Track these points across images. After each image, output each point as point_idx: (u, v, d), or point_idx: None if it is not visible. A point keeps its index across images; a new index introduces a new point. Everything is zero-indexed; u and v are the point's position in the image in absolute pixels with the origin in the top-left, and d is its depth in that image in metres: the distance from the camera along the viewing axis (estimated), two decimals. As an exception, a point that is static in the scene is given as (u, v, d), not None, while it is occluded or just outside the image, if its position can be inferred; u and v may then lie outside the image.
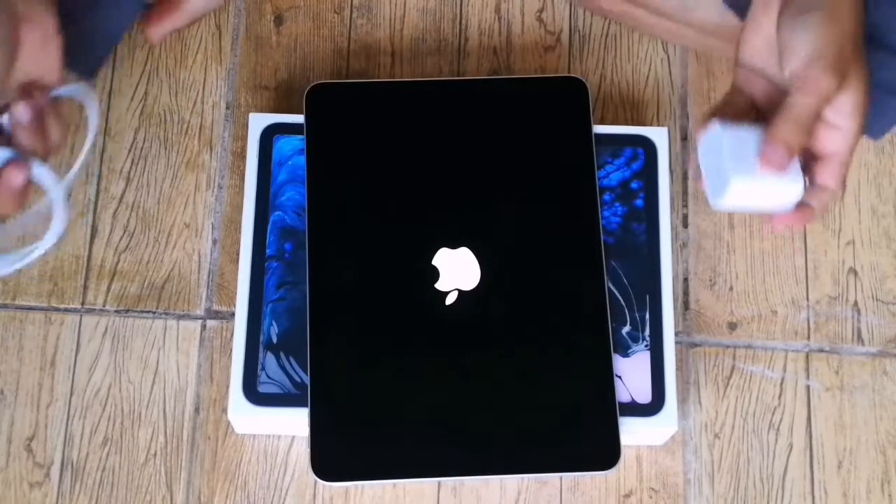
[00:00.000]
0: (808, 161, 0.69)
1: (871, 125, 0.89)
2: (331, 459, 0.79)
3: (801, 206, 0.70)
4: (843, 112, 0.67)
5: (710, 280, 0.89)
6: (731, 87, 0.72)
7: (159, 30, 0.85)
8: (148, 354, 0.86)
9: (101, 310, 0.87)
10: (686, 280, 0.89)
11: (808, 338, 0.88)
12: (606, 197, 0.86)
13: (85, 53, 0.86)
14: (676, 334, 0.86)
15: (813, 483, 0.85)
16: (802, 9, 0.67)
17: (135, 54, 0.93)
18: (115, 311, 0.87)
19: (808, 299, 0.89)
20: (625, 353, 0.83)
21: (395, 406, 0.80)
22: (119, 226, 0.89)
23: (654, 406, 0.82)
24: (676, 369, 0.83)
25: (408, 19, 0.96)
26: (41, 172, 0.69)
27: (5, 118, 0.68)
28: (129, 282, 0.88)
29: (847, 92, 0.67)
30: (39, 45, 0.68)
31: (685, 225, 0.91)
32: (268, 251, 0.84)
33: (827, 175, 0.69)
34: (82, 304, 0.87)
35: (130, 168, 0.91)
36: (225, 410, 0.84)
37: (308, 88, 0.88)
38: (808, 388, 0.87)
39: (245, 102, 0.93)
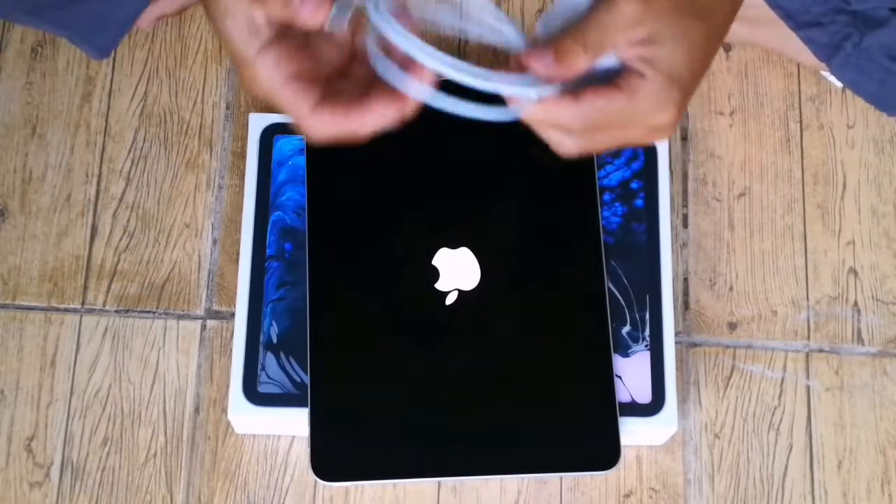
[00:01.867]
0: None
1: (886, 100, 0.88)
2: (331, 459, 0.79)
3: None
4: (648, 59, 0.59)
5: (710, 280, 0.89)
6: None
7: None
8: (148, 354, 0.86)
9: (101, 310, 0.87)
10: (686, 280, 0.89)
11: (808, 338, 0.88)
12: (606, 197, 0.86)
13: (101, 33, 0.87)
14: (676, 334, 0.86)
15: (813, 483, 0.85)
16: None
17: (135, 54, 0.93)
18: (115, 311, 0.87)
19: (808, 299, 0.89)
20: (625, 353, 0.83)
21: (395, 406, 0.81)
22: (119, 226, 0.89)
23: (654, 406, 0.82)
24: (676, 369, 0.83)
25: (408, 19, 0.95)
26: None
27: None
28: (129, 282, 0.88)
29: (658, 44, 0.59)
30: None
31: (685, 225, 0.91)
32: (268, 251, 0.84)
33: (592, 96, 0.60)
34: (82, 304, 0.87)
35: (130, 168, 0.91)
36: (225, 410, 0.84)
37: (308, 88, 0.88)
38: (808, 388, 0.87)
39: (245, 102, 0.93)
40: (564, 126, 0.61)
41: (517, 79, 0.59)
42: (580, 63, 0.59)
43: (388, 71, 0.60)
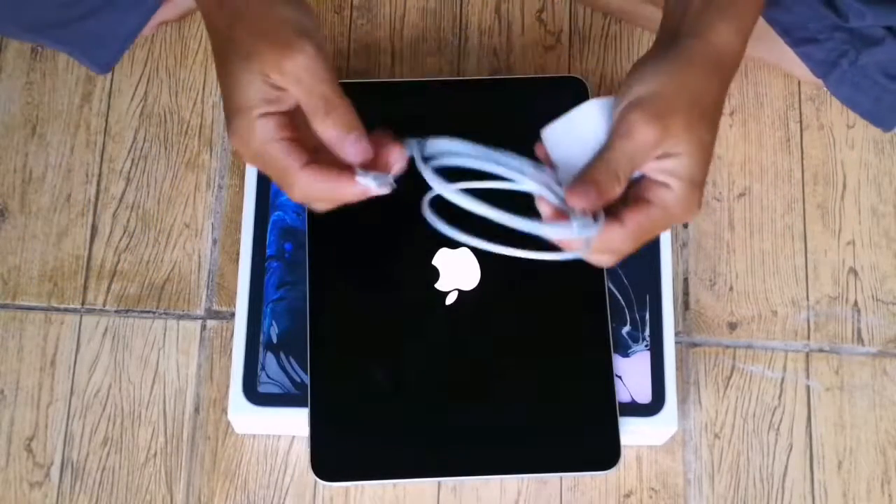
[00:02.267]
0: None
1: (882, 116, 0.89)
2: (331, 459, 0.79)
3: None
4: (671, 172, 0.63)
5: (710, 280, 0.89)
6: None
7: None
8: (148, 354, 0.86)
9: (101, 310, 0.87)
10: (686, 280, 0.89)
11: (808, 338, 0.88)
12: (606, 197, 0.86)
13: (103, 48, 0.87)
14: (676, 334, 0.86)
15: (813, 483, 0.85)
16: (661, 52, 0.64)
17: (135, 54, 0.93)
18: (115, 311, 0.87)
19: (808, 299, 0.89)
20: (625, 353, 0.83)
21: (395, 406, 0.80)
22: (119, 226, 0.89)
23: (654, 406, 0.82)
24: (676, 369, 0.83)
25: (408, 19, 0.96)
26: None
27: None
28: (129, 282, 0.88)
29: (678, 157, 0.62)
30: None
31: (685, 225, 0.91)
32: (268, 251, 0.84)
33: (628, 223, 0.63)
34: (82, 304, 0.87)
35: (130, 168, 0.91)
36: (225, 410, 0.84)
37: (308, 88, 0.88)
38: (808, 388, 0.87)
39: (245, 102, 0.92)
40: (616, 250, 0.64)
41: (567, 225, 0.62)
42: (616, 192, 0.62)
43: (451, 232, 0.63)
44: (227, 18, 0.64)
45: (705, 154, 0.63)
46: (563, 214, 0.63)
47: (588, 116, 0.64)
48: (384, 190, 0.64)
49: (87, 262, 0.88)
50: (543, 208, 0.63)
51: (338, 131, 0.62)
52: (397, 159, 0.64)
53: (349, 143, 0.63)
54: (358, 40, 0.95)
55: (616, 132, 0.62)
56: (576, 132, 0.64)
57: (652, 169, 0.63)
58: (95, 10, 0.84)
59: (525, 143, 0.87)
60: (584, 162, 0.63)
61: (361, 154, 0.63)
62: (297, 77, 0.61)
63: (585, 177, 0.62)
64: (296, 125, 0.63)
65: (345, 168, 0.64)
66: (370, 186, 0.64)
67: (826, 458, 0.85)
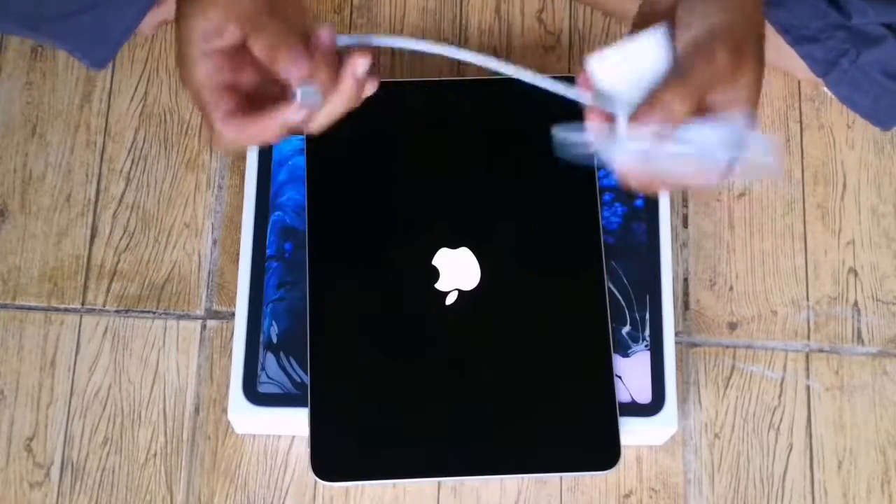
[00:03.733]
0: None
1: (881, 115, 0.89)
2: (331, 459, 0.79)
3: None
4: (736, 100, 0.62)
5: (710, 280, 0.89)
6: None
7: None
8: (148, 354, 0.86)
9: (101, 310, 0.87)
10: (686, 280, 0.89)
11: (808, 338, 0.88)
12: (606, 197, 0.86)
13: (99, 45, 0.87)
14: (676, 334, 0.86)
15: (813, 483, 0.85)
16: None
17: (135, 54, 0.93)
18: (115, 311, 0.87)
19: (808, 299, 0.89)
20: (625, 353, 0.83)
21: (395, 406, 0.80)
22: (119, 226, 0.89)
23: (654, 406, 0.82)
24: (676, 369, 0.83)
25: (408, 19, 0.96)
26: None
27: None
28: (129, 282, 0.88)
29: (740, 86, 0.61)
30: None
31: (685, 225, 0.91)
32: (268, 251, 0.84)
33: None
34: (82, 304, 0.87)
35: (130, 168, 0.91)
36: (225, 410, 0.84)
37: (308, 88, 0.88)
38: (808, 388, 0.87)
39: (245, 102, 0.92)
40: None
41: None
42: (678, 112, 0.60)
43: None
44: None
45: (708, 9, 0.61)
46: None
47: (649, 47, 0.62)
48: (315, 103, 0.62)
49: (87, 262, 0.88)
50: None
51: (269, 51, 0.62)
52: (360, 63, 0.62)
53: (282, 62, 0.61)
54: (358, 40, 0.95)
55: (694, 59, 0.60)
56: (633, 62, 0.62)
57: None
58: (91, 5, 0.84)
59: (526, 143, 0.87)
60: (639, 91, 0.62)
61: (298, 70, 0.61)
62: (230, 3, 0.61)
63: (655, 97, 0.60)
64: (237, 65, 0.63)
65: (271, 102, 0.62)
66: (307, 102, 0.62)
67: (826, 458, 0.85)
